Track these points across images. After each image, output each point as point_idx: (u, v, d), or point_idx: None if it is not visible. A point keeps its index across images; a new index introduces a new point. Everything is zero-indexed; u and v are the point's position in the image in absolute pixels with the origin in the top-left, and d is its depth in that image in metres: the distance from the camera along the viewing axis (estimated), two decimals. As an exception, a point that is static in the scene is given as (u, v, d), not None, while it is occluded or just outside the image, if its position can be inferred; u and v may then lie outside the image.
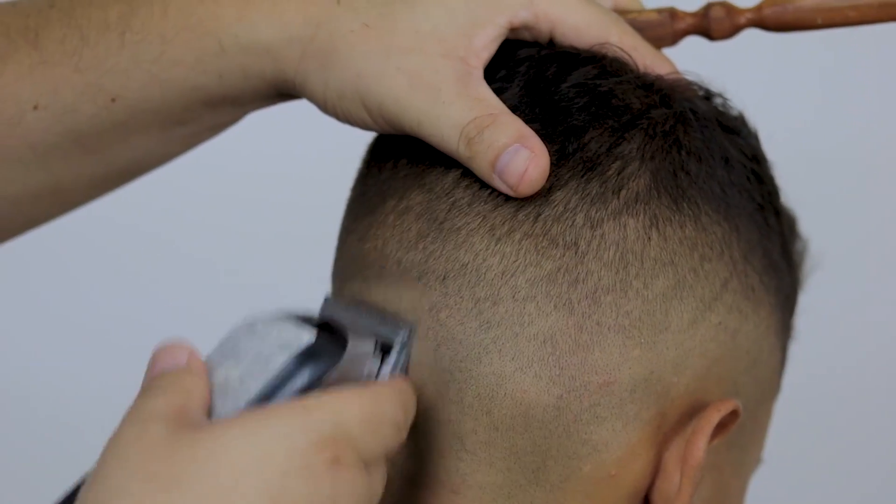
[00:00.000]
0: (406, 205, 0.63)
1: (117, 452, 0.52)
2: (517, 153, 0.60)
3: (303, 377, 0.57)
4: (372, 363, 0.59)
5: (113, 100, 0.65)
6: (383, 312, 0.62)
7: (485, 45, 0.62)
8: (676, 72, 0.66)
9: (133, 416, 0.54)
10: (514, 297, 0.61)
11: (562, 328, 0.60)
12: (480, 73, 0.62)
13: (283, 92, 0.65)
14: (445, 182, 0.63)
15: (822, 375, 1.34)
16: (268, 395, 0.56)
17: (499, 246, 0.61)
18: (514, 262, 0.61)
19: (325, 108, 0.64)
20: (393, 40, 0.61)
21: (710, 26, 0.68)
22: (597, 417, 0.61)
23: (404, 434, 0.58)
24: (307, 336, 0.57)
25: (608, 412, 0.61)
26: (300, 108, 0.69)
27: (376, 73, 0.61)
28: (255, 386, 0.56)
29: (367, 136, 0.68)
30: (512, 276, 0.61)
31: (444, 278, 0.61)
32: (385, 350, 0.60)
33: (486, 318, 0.61)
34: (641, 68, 0.65)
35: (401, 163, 0.65)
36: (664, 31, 0.68)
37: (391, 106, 0.61)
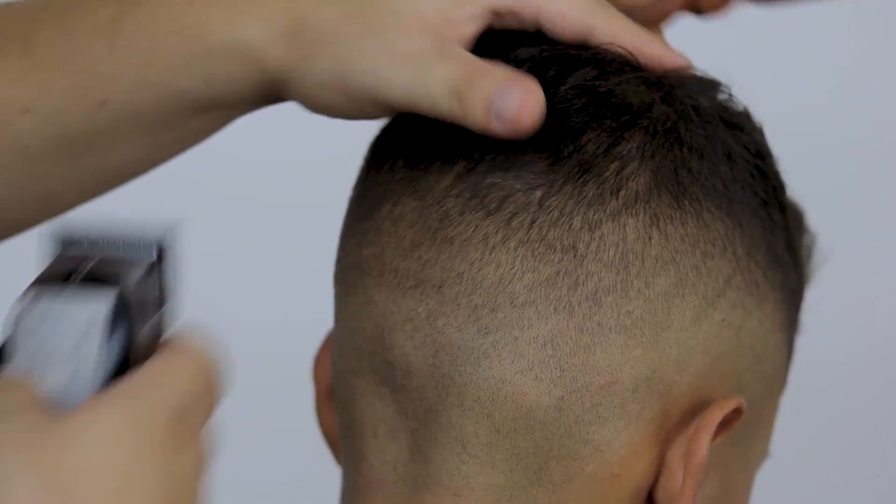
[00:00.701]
0: (400, 211, 0.63)
1: None
2: (509, 90, 0.60)
3: (118, 351, 0.56)
4: (152, 283, 0.59)
5: (102, 103, 0.65)
6: (125, 233, 0.59)
7: (464, 21, 0.62)
8: (668, 50, 0.65)
9: None
10: (511, 303, 0.60)
11: (562, 330, 0.60)
12: (459, 44, 0.62)
13: (269, 94, 0.65)
14: (437, 190, 0.62)
15: (829, 370, 1.34)
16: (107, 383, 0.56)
17: (493, 255, 0.61)
18: (511, 269, 0.61)
19: (310, 102, 0.64)
20: (373, 24, 0.62)
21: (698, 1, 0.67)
22: (599, 418, 0.61)
23: (222, 394, 0.56)
24: (105, 305, 0.56)
25: (610, 412, 0.61)
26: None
27: (356, 55, 0.62)
28: (95, 380, 0.55)
29: (372, 134, 0.68)
30: (509, 283, 0.61)
31: (440, 287, 0.61)
32: (156, 262, 0.58)
33: (485, 324, 0.61)
34: (632, 50, 0.64)
35: (397, 164, 0.64)
36: (654, 11, 0.67)
37: (374, 83, 0.62)
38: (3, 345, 0.57)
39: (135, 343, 0.57)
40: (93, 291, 0.57)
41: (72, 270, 0.58)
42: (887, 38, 1.32)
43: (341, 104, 0.63)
